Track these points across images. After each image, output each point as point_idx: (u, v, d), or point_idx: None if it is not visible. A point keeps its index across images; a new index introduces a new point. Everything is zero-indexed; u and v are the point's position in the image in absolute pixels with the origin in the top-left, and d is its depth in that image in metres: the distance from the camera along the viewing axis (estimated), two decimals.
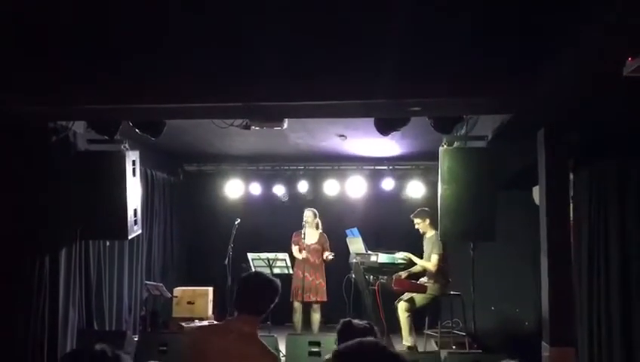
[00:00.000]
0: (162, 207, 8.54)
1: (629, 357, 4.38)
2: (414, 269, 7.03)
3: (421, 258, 7.00)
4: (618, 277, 4.50)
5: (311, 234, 7.78)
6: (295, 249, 7.78)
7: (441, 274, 6.82)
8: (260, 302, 2.92)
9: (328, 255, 7.65)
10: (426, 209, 7.03)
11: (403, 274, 6.92)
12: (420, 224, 6.97)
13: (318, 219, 7.89)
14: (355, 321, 3.07)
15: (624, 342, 4.43)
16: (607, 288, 4.59)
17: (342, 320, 3.10)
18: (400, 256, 7.07)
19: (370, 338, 1.92)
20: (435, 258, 6.77)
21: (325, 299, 7.66)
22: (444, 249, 6.78)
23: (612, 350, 4.51)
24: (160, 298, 7.63)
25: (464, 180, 5.30)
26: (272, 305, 2.95)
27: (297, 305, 7.68)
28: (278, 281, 3.02)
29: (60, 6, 3.84)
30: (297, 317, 7.71)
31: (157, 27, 4.02)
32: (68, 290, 5.42)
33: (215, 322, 6.68)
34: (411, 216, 7.07)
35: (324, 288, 7.68)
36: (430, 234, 6.86)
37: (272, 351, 2.94)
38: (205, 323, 7.01)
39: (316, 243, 7.74)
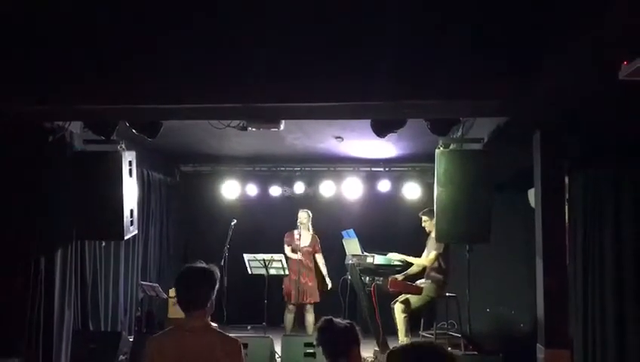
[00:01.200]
0: (158, 207, 8.53)
1: (623, 359, 4.40)
2: (410, 271, 7.03)
3: (419, 257, 7.02)
4: (613, 279, 4.52)
5: (304, 236, 7.80)
6: (288, 249, 7.78)
7: (438, 275, 6.82)
8: (200, 294, 2.82)
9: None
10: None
11: (399, 276, 6.92)
12: (427, 222, 6.97)
13: (310, 220, 7.91)
14: (337, 320, 3.06)
15: (618, 344, 4.44)
16: (602, 290, 4.61)
17: (323, 318, 3.10)
18: (395, 258, 7.07)
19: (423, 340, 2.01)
20: (432, 254, 6.78)
21: (318, 299, 7.67)
22: (447, 251, 6.79)
23: (607, 352, 4.53)
24: (156, 298, 7.61)
25: (460, 182, 5.31)
26: (215, 292, 2.85)
27: (291, 306, 7.69)
28: (212, 267, 2.91)
29: (58, 6, 3.84)
30: (289, 317, 7.72)
31: (155, 28, 4.03)
32: (63, 290, 5.41)
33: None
34: (420, 213, 7.09)
35: (317, 289, 7.70)
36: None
37: (232, 336, 2.87)
38: None
39: (308, 245, 7.76)
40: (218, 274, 2.91)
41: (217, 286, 2.87)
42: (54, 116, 5.15)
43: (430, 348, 1.93)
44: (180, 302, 2.86)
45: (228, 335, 2.86)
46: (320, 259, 7.81)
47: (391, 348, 1.97)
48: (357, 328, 3.05)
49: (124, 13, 3.90)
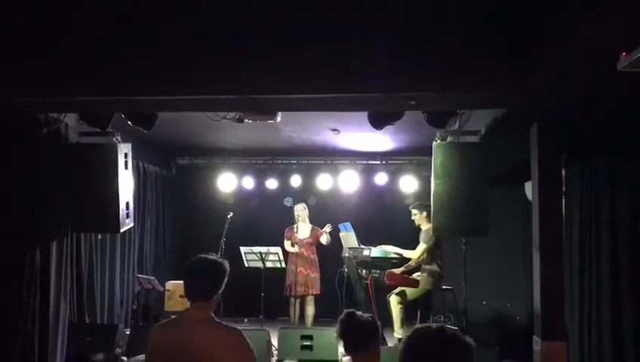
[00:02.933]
0: (154, 200, 8.50)
1: (619, 351, 4.42)
2: (411, 264, 7.03)
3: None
4: (609, 271, 4.53)
5: (303, 229, 7.81)
6: (287, 243, 7.79)
7: (434, 267, 6.83)
8: (208, 285, 2.79)
9: (326, 228, 7.65)
10: (426, 203, 7.05)
11: (398, 270, 6.93)
12: (417, 216, 6.98)
13: (307, 213, 7.94)
14: (359, 313, 3.05)
15: (614, 335, 4.46)
16: (598, 282, 4.62)
17: (345, 311, 3.08)
18: (387, 250, 7.07)
19: (440, 325, 1.96)
20: (420, 247, 6.80)
21: (319, 291, 7.69)
22: (439, 245, 6.79)
23: (602, 344, 4.54)
24: (152, 291, 7.60)
25: (457, 175, 5.30)
26: (223, 286, 2.82)
27: (293, 299, 7.70)
28: (223, 261, 2.89)
29: None
30: (293, 311, 7.74)
31: (150, 19, 4.00)
32: (59, 284, 5.39)
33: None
34: (410, 207, 7.10)
35: (319, 281, 7.72)
36: (426, 227, 6.87)
37: (233, 327, 2.82)
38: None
39: (309, 237, 7.78)
40: (228, 267, 2.87)
41: (226, 279, 2.84)
42: (49, 108, 5.11)
43: (455, 338, 1.90)
44: (187, 292, 2.83)
45: (228, 327, 2.81)
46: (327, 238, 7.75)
47: (411, 329, 1.96)
48: (378, 323, 3.05)
49: (116, 5, 3.87)
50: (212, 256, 2.89)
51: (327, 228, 7.67)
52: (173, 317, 2.99)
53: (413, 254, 6.89)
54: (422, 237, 6.91)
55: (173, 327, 2.84)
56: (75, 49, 4.15)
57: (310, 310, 7.70)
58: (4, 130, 4.85)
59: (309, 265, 7.67)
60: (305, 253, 7.68)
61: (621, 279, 4.49)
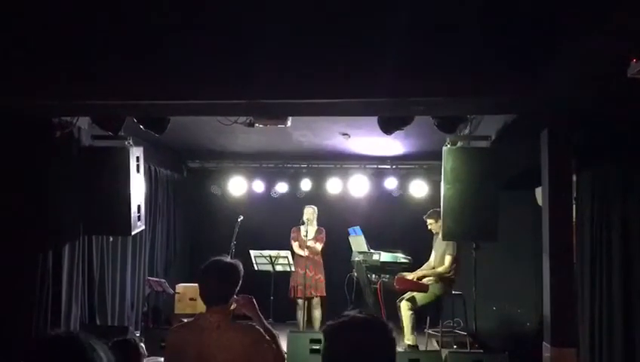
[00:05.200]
0: (165, 203, 8.55)
1: (630, 358, 4.39)
2: (420, 271, 6.99)
3: (428, 257, 7.01)
4: (620, 278, 4.51)
5: (310, 232, 7.79)
6: (295, 245, 7.79)
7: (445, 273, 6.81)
8: (224, 289, 2.81)
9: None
10: (438, 209, 7.05)
11: (409, 275, 6.91)
12: (433, 224, 6.95)
13: (315, 216, 7.92)
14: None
15: (625, 342, 4.43)
16: (609, 289, 4.59)
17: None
18: (420, 275, 6.96)
19: (358, 314, 1.86)
20: (448, 259, 6.74)
21: (324, 294, 7.69)
22: (457, 250, 6.76)
23: (613, 351, 4.51)
24: (162, 294, 7.65)
25: (467, 180, 5.29)
26: (237, 288, 2.84)
27: (300, 302, 7.70)
28: (238, 263, 2.90)
29: (62, 3, 3.85)
30: (300, 314, 7.73)
31: (161, 24, 4.04)
32: (71, 286, 5.44)
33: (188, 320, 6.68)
34: (424, 216, 7.06)
35: (324, 283, 7.73)
36: None
37: (249, 324, 2.82)
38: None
39: (313, 239, 7.77)
40: (242, 270, 2.88)
41: (240, 282, 2.85)
42: (62, 111, 5.17)
43: (366, 321, 1.80)
44: (203, 296, 2.84)
45: (244, 326, 2.80)
46: (314, 245, 7.70)
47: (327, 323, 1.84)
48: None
49: (128, 10, 3.91)
50: (226, 259, 2.90)
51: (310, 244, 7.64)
52: (189, 320, 2.98)
53: (444, 269, 6.79)
54: (440, 245, 6.81)
55: (191, 331, 2.83)
56: (88, 54, 4.20)
57: (317, 313, 7.69)
58: (18, 133, 4.91)
59: (314, 267, 7.67)
60: (310, 255, 7.68)
61: (632, 285, 4.46)
